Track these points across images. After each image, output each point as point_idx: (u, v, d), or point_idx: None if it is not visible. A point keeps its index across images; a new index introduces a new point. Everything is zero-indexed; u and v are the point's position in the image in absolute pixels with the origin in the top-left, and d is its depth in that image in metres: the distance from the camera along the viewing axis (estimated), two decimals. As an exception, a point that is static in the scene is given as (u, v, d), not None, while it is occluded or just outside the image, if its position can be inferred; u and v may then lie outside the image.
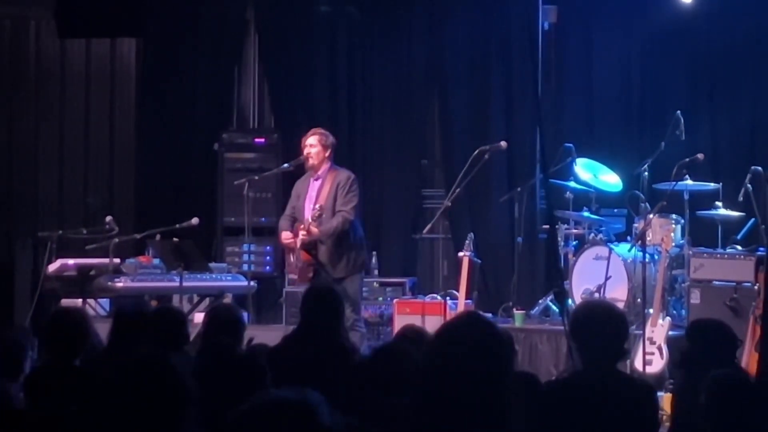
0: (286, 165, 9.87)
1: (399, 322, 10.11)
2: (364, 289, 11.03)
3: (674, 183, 9.44)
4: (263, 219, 11.49)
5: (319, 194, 9.09)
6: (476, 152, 9.82)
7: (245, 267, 11.24)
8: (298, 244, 8.96)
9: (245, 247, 11.29)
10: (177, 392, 3.34)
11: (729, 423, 4.69)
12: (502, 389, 2.99)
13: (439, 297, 10.46)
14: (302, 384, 3.25)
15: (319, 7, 12.19)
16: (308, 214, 9.00)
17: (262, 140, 12.03)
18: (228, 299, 10.65)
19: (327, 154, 9.16)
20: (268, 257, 11.74)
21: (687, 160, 9.59)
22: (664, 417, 8.09)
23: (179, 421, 3.35)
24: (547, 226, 10.99)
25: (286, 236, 9.14)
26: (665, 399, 8.43)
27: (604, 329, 4.92)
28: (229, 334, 6.03)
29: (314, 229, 8.92)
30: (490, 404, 2.98)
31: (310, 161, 9.14)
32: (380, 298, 11.07)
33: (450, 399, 2.98)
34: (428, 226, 9.88)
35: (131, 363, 3.45)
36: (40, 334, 5.72)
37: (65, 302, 9.78)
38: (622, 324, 5.02)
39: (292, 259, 9.17)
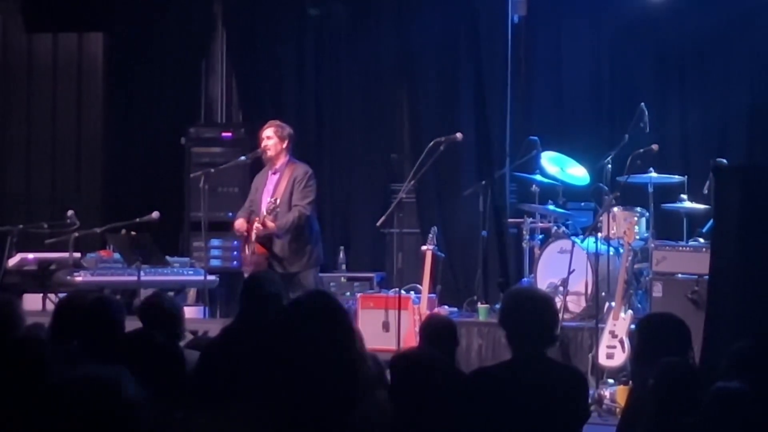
0: (243, 158, 9.81)
1: (363, 317, 10.05)
2: (331, 284, 10.99)
3: (627, 175, 9.35)
4: (230, 214, 11.37)
5: (277, 188, 9.03)
6: (431, 143, 9.73)
7: (212, 262, 11.18)
8: (253, 237, 8.89)
9: (212, 242, 11.21)
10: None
11: (672, 405, 4.70)
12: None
13: (403, 291, 10.35)
14: (240, 375, 3.14)
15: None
16: (264, 208, 8.92)
17: (230, 134, 11.94)
18: (191, 293, 10.60)
19: (284, 146, 9.08)
20: (234, 252, 11.62)
21: (641, 150, 9.49)
22: (618, 410, 8.05)
23: None
24: (512, 220, 10.92)
25: (240, 224, 9.06)
26: (619, 391, 8.39)
27: (531, 316, 4.86)
28: (164, 326, 5.91)
29: (270, 223, 8.85)
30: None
31: (268, 153, 9.08)
32: (347, 293, 10.96)
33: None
34: (382, 219, 9.77)
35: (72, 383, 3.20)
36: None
37: (26, 297, 9.75)
38: (550, 310, 4.95)
39: (247, 251, 9.10)
